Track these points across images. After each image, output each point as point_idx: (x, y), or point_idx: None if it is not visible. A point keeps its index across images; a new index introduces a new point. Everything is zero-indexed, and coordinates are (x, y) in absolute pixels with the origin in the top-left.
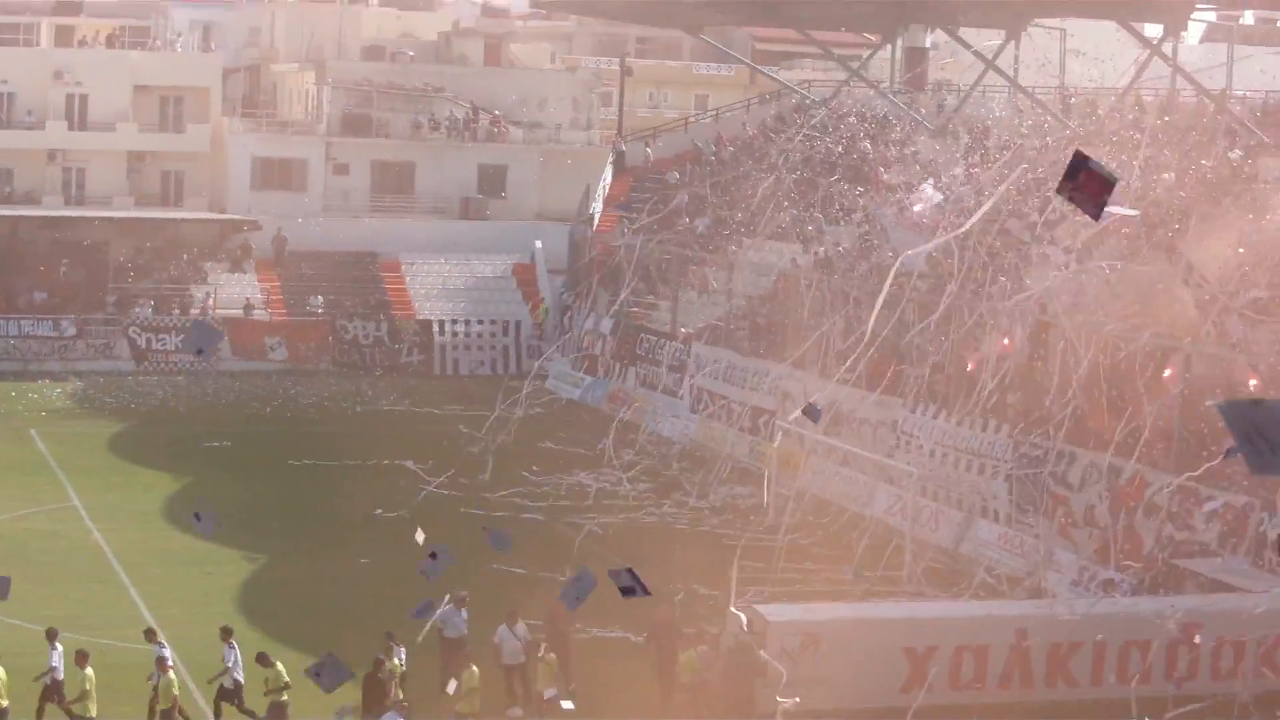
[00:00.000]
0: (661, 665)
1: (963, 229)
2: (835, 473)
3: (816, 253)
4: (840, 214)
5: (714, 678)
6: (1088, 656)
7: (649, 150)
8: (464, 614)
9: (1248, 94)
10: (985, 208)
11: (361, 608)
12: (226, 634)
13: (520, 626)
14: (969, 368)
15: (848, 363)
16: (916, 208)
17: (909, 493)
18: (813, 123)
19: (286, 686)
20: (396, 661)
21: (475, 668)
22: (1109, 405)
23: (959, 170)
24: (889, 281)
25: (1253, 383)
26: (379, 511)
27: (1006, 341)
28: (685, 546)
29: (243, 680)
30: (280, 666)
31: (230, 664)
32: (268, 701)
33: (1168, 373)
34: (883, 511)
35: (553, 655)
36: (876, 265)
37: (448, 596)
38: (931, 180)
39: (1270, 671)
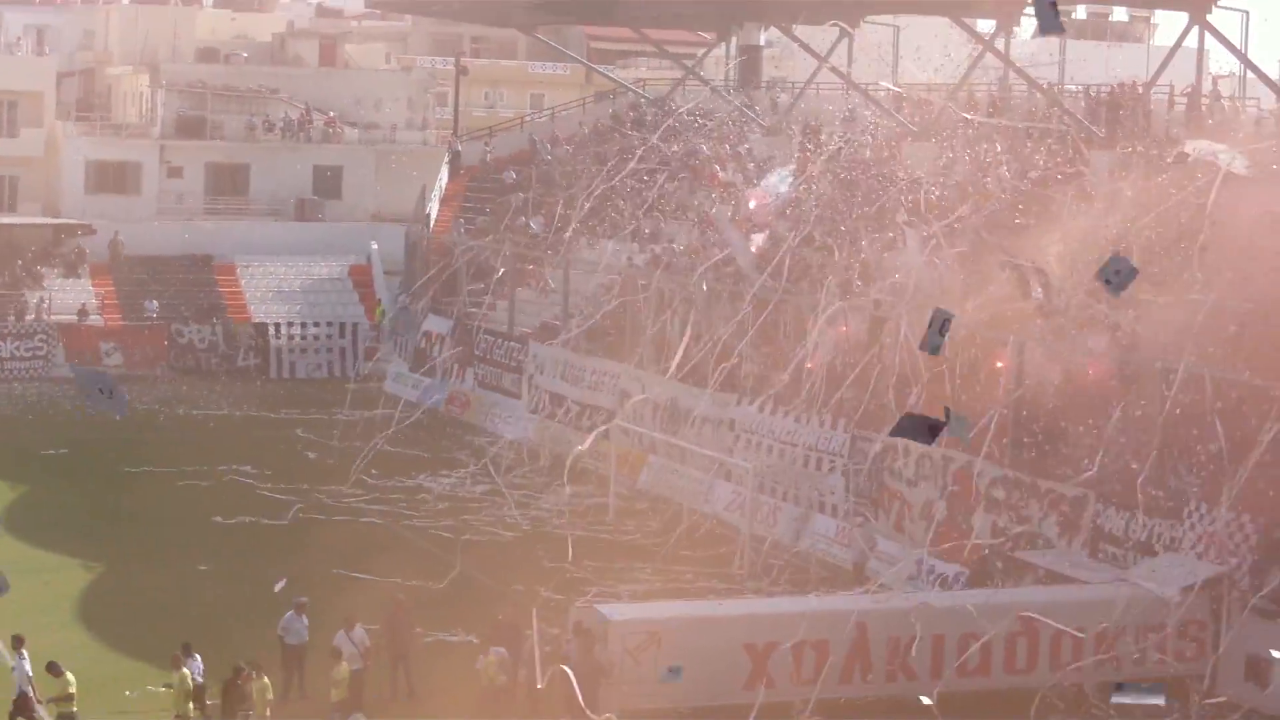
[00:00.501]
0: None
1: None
2: (675, 471)
3: (653, 251)
4: (677, 212)
5: (513, 682)
6: (926, 649)
7: (489, 149)
8: (305, 620)
9: (1080, 87)
10: None
11: (201, 614)
12: (18, 643)
13: (358, 631)
14: (807, 365)
15: (677, 360)
16: (751, 204)
17: (747, 489)
18: (648, 121)
19: (71, 698)
20: (187, 673)
21: (345, 663)
22: (946, 398)
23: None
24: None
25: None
26: (217, 518)
27: (844, 328)
28: (525, 547)
29: (30, 692)
30: (70, 676)
31: (17, 674)
32: (56, 712)
33: (1000, 364)
34: (722, 508)
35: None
36: (713, 263)
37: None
38: (780, 172)
39: (1110, 662)
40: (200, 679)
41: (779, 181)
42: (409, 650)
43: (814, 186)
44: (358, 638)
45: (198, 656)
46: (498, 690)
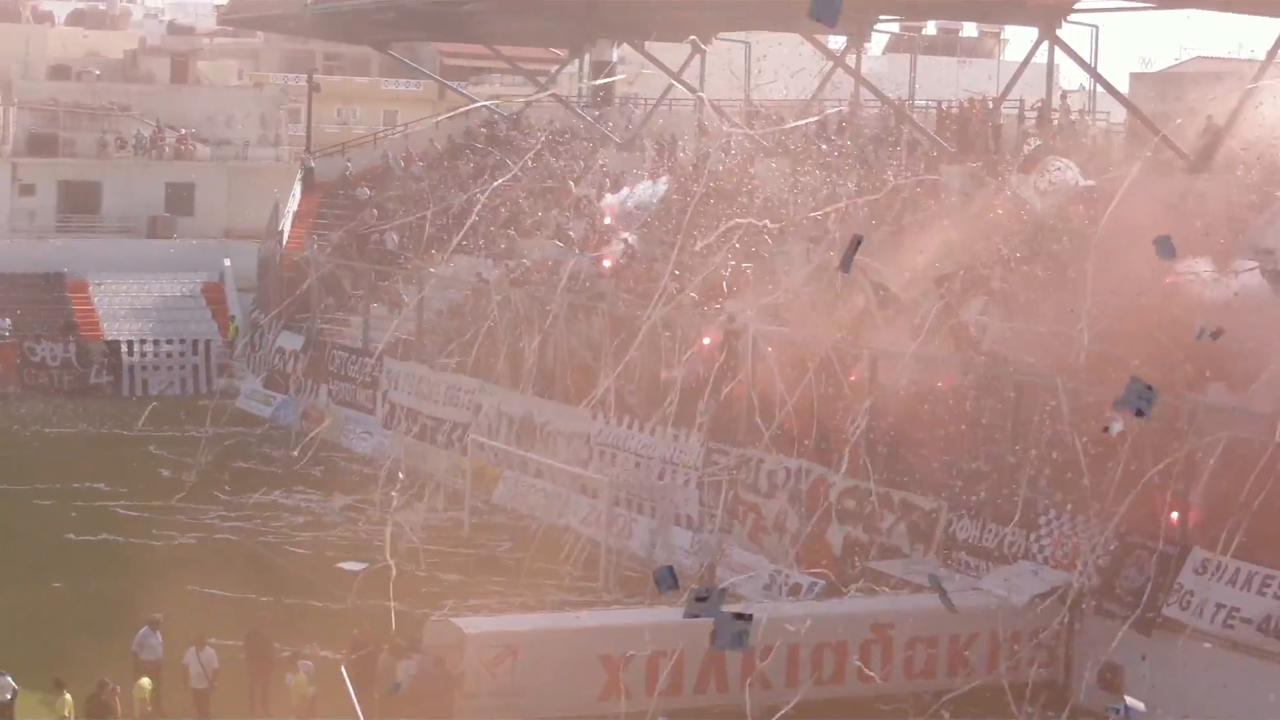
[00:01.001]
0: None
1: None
2: (531, 485)
3: (508, 266)
4: (531, 228)
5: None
6: (781, 659)
7: (348, 164)
8: (159, 636)
9: (929, 103)
10: None
11: (55, 632)
12: None
13: (208, 651)
14: (663, 376)
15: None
16: (607, 219)
17: (603, 502)
18: (502, 137)
19: None
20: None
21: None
22: (799, 410)
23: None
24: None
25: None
26: (71, 535)
27: (707, 341)
28: (380, 561)
29: None
30: None
31: None
32: None
33: (853, 378)
34: (578, 522)
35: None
36: (569, 277)
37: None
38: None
39: (963, 669)
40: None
41: (632, 195)
42: (270, 664)
43: (669, 199)
44: (206, 658)
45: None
46: (310, 702)
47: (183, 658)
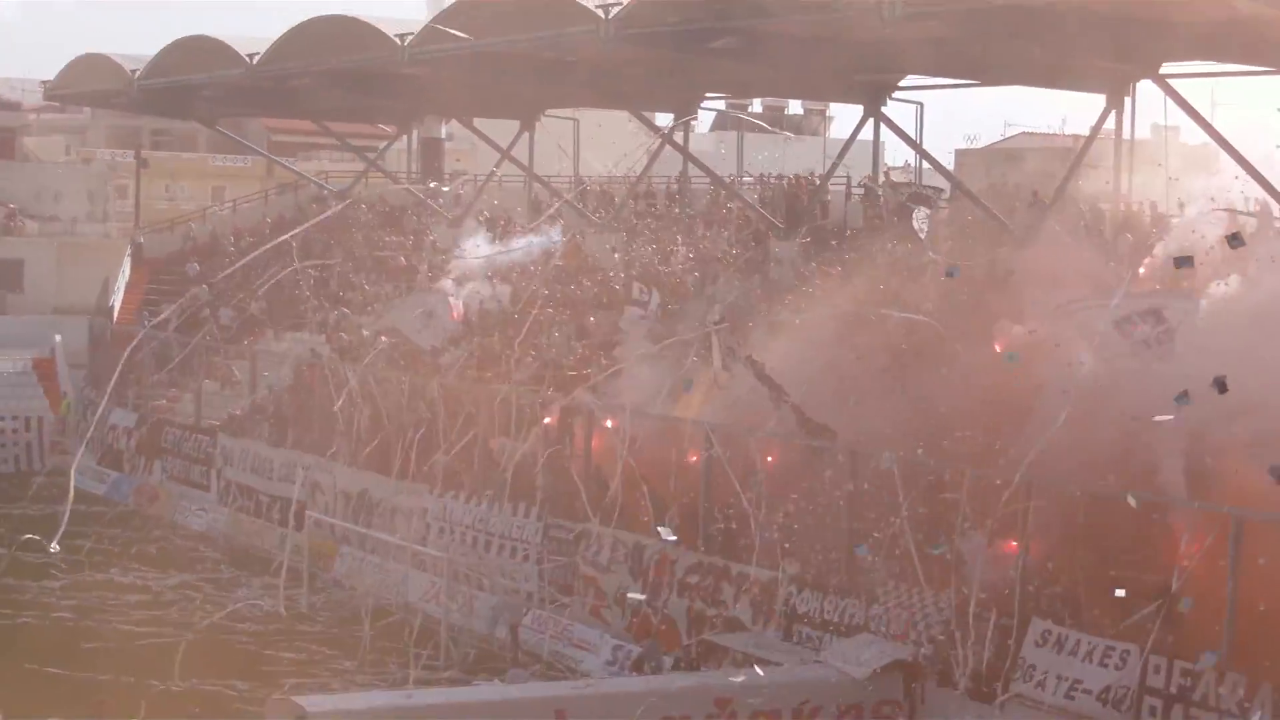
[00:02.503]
0: None
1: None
2: (368, 561)
3: (337, 340)
4: (362, 304)
5: None
6: None
7: (191, 234)
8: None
9: (753, 178)
10: None
11: None
12: None
13: None
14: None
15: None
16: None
17: (444, 579)
18: (328, 214)
19: None
20: None
21: None
22: (636, 484)
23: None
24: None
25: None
26: None
27: (548, 421)
28: (219, 640)
29: None
30: None
31: None
32: None
33: (694, 458)
34: (418, 599)
35: None
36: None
37: None
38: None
39: None
40: None
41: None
42: None
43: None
44: None
45: None
46: None
47: None
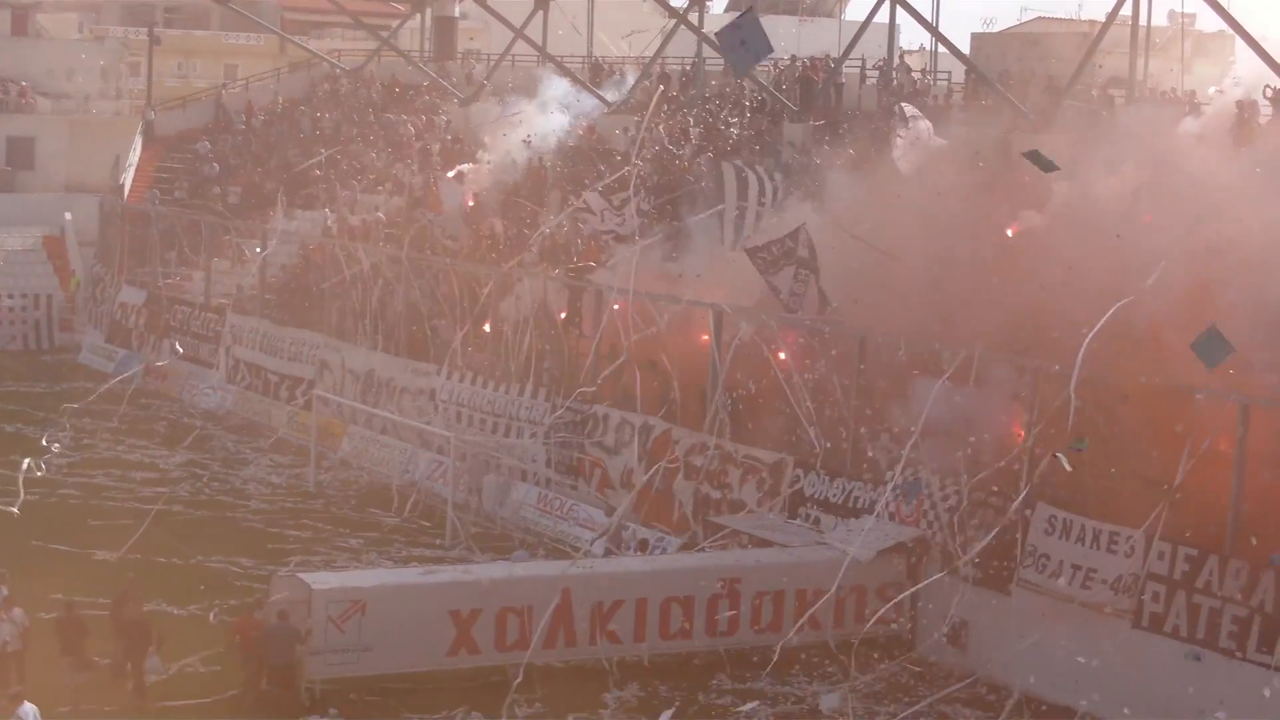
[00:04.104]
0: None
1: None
2: (376, 441)
3: (350, 221)
4: (374, 183)
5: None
6: (629, 614)
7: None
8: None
9: (771, 61)
10: None
11: None
12: None
13: (16, 611)
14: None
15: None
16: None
17: (450, 458)
18: (343, 92)
19: None
20: None
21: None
22: (647, 369)
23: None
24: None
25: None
26: None
27: (563, 314)
28: (225, 518)
29: None
30: None
31: None
32: None
33: (705, 337)
34: (424, 477)
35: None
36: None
37: None
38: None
39: (809, 624)
40: None
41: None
42: (144, 623)
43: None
44: (17, 618)
45: None
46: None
47: None
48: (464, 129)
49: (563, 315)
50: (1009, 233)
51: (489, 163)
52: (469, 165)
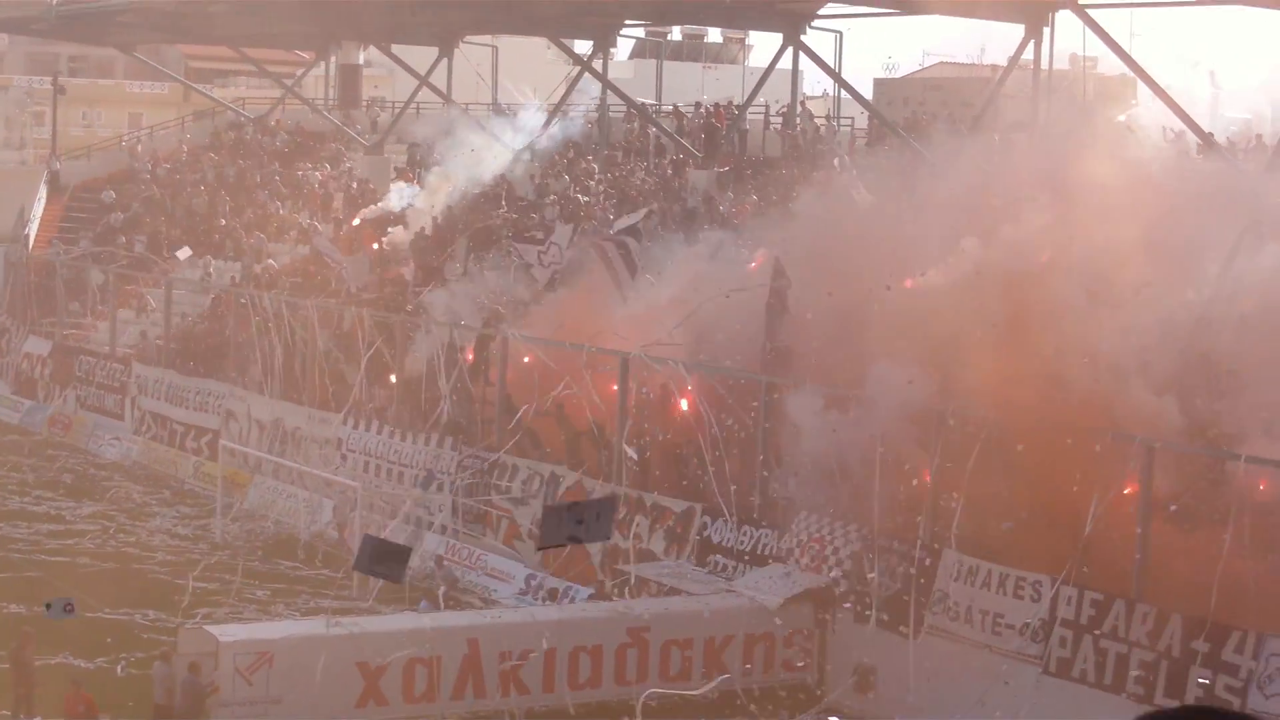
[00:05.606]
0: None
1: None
2: (283, 490)
3: (254, 270)
4: (278, 231)
5: None
6: (538, 663)
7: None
8: None
9: (672, 108)
10: None
11: None
12: None
13: None
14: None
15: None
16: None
17: (356, 509)
18: (246, 140)
19: None
20: None
21: None
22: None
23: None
24: None
25: (684, 403)
26: None
27: (470, 357)
28: (132, 570)
29: None
30: None
31: None
32: None
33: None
34: (329, 527)
35: None
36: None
37: None
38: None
39: (718, 670)
40: None
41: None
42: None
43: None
44: None
45: None
46: None
47: None
48: (370, 175)
49: (469, 361)
50: (906, 284)
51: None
52: (373, 208)
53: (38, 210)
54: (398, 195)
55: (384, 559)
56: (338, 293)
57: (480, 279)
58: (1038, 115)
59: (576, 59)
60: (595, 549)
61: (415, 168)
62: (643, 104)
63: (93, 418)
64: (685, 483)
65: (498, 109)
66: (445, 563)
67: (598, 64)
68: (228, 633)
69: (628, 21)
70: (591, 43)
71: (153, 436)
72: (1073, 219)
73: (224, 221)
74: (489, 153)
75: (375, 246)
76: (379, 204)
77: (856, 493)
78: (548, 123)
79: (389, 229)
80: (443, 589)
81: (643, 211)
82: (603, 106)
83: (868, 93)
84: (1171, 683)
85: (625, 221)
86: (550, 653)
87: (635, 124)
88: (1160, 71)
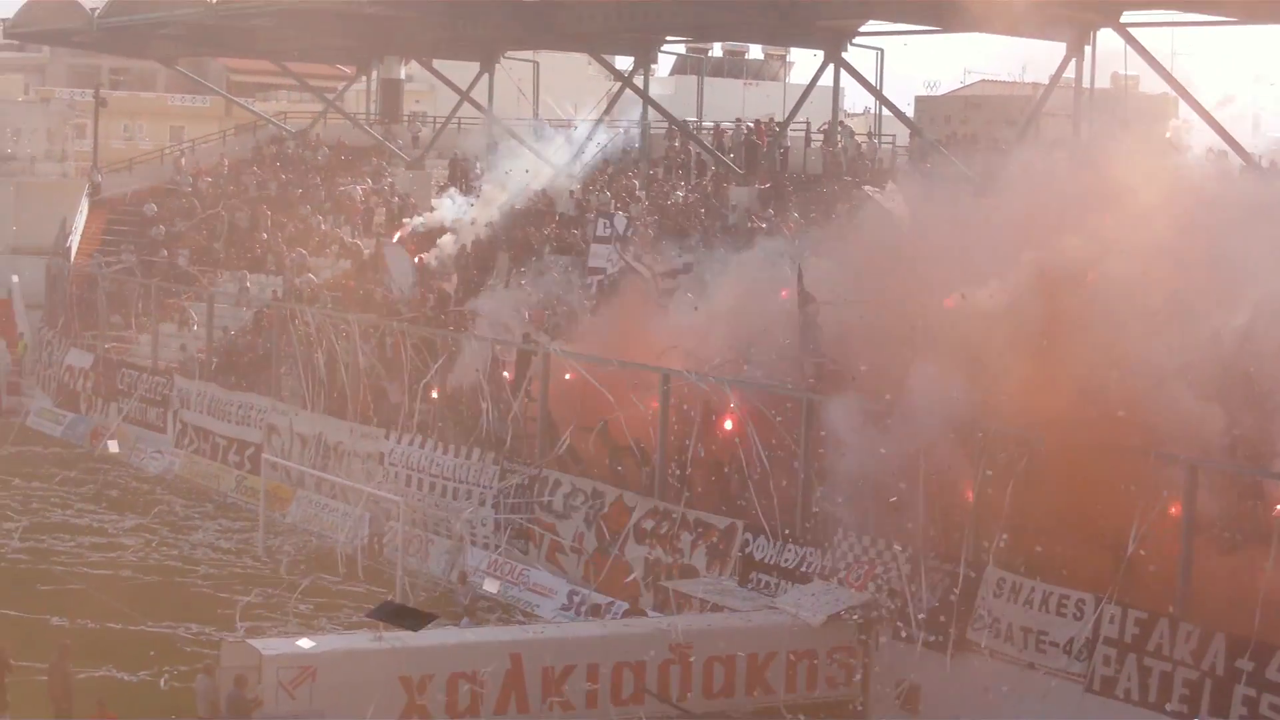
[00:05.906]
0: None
1: None
2: (325, 505)
3: (296, 284)
4: (319, 246)
5: None
6: (581, 678)
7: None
8: None
9: (713, 124)
10: None
11: None
12: None
13: None
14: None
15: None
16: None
17: (400, 523)
18: (289, 154)
19: None
20: None
21: None
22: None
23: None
24: None
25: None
26: None
27: (508, 375)
28: (174, 583)
29: None
30: None
31: None
32: None
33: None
34: (370, 540)
35: None
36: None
37: None
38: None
39: (760, 689)
40: None
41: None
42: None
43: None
44: None
45: None
46: None
47: None
48: (411, 190)
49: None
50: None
51: (422, 226)
52: (420, 219)
53: (79, 223)
54: (451, 204)
55: (402, 617)
56: (380, 307)
57: (532, 284)
58: (1079, 133)
59: (617, 75)
60: (638, 564)
61: (458, 182)
62: (683, 120)
63: (135, 430)
64: (726, 501)
65: (540, 124)
66: (470, 579)
67: (639, 80)
68: (270, 646)
69: (669, 38)
70: (632, 59)
71: (195, 450)
72: (1120, 234)
73: (265, 236)
74: (535, 167)
75: (417, 260)
76: (429, 214)
77: (899, 509)
78: (589, 138)
79: (438, 240)
80: (464, 601)
81: (683, 261)
82: (644, 122)
83: (909, 110)
84: (1215, 701)
85: (667, 265)
86: (593, 668)
87: (676, 140)
88: (1202, 90)
